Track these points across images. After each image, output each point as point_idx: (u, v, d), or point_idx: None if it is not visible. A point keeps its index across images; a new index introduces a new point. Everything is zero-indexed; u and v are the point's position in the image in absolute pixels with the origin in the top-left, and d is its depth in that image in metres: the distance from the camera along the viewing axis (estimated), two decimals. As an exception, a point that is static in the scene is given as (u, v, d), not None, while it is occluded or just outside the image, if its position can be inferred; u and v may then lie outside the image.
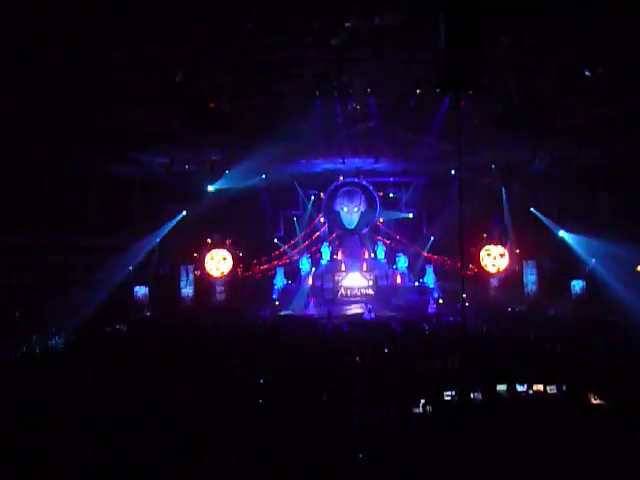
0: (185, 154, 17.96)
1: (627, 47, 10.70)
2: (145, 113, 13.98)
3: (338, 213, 22.37)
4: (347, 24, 10.16)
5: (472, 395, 7.60)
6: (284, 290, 21.65)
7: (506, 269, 21.26)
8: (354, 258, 22.14)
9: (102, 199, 20.83)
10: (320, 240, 22.75)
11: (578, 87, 12.58)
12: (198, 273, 21.53)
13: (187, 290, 21.27)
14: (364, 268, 21.83)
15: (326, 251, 22.48)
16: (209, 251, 21.56)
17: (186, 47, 10.95)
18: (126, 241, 19.49)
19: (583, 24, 10.00)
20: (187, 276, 21.26)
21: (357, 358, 10.46)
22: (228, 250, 21.61)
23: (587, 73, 11.90)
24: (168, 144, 16.56)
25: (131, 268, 19.91)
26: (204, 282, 21.56)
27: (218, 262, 21.56)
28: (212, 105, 13.65)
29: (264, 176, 20.14)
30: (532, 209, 20.62)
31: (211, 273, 21.53)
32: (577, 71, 11.93)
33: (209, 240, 21.60)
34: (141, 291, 20.35)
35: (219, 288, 21.67)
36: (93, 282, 17.71)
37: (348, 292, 21.35)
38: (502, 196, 20.87)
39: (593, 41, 10.61)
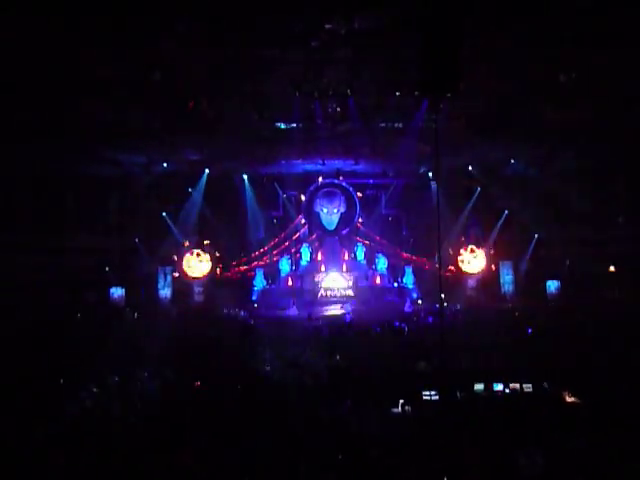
0: (163, 154, 17.80)
1: (598, 51, 10.95)
2: (123, 113, 13.82)
3: (318, 214, 22.39)
4: (327, 26, 10.21)
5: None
6: (264, 291, 21.56)
7: (483, 270, 21.53)
8: (334, 259, 22.16)
9: (80, 199, 20.42)
10: (300, 241, 22.73)
11: (552, 90, 12.84)
12: (177, 274, 21.31)
13: (165, 292, 21.02)
14: (344, 269, 21.87)
15: (306, 252, 22.47)
16: (187, 252, 21.36)
17: (166, 46, 10.86)
18: (103, 242, 19.17)
19: (557, 30, 10.22)
20: (165, 277, 21.02)
21: (337, 357, 10.50)
22: (206, 251, 21.43)
23: (561, 77, 12.17)
24: (146, 143, 16.40)
25: (108, 269, 19.66)
26: (182, 283, 21.33)
27: (196, 263, 21.36)
28: (191, 104, 13.58)
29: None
30: (507, 210, 20.93)
31: (189, 274, 21.33)
32: (552, 74, 12.18)
33: (187, 242, 21.37)
34: (117, 292, 20.05)
35: (197, 289, 21.46)
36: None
37: (328, 293, 21.32)
38: (479, 197, 21.12)
39: (567, 46, 10.83)
